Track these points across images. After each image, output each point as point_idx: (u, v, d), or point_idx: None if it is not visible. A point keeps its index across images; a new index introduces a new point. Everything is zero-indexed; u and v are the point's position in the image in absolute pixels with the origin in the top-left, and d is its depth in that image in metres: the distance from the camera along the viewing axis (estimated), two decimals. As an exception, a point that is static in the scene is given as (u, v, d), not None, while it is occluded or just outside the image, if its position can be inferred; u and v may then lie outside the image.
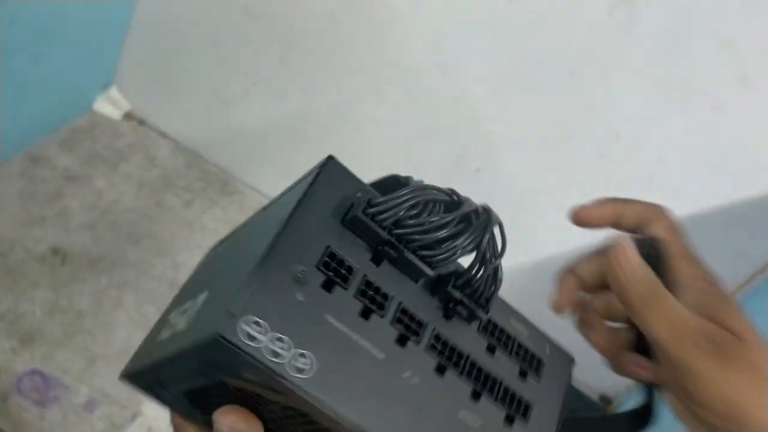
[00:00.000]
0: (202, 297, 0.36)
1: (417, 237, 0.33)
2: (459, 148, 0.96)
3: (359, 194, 0.33)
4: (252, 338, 0.28)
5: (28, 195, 0.92)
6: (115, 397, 0.78)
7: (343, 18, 0.88)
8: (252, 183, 1.13)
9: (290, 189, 0.36)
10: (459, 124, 0.94)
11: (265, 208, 0.40)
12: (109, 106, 1.08)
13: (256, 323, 0.28)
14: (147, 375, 0.40)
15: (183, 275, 0.97)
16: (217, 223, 1.05)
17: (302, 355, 0.29)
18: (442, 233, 0.33)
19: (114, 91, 1.08)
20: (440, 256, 0.33)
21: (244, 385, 0.32)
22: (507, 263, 0.35)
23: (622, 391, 1.17)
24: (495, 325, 0.37)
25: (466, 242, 0.33)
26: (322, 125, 1.03)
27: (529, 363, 0.37)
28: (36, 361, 0.78)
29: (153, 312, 0.88)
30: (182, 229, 1.01)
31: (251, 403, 0.34)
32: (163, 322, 0.43)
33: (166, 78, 1.07)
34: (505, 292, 0.37)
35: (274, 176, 1.10)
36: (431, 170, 1.00)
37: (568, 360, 0.39)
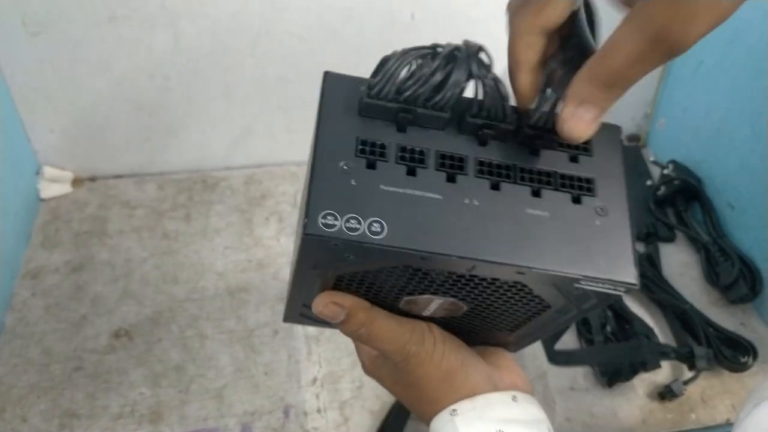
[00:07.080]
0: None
1: (419, 91, 0.38)
2: (383, 6, 0.93)
3: (362, 87, 0.39)
4: (330, 226, 0.35)
5: (53, 307, 0.89)
6: (258, 410, 0.80)
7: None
8: (223, 165, 1.10)
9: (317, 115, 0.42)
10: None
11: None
12: (54, 185, 1.02)
13: (328, 215, 0.35)
14: (299, 308, 0.51)
15: (231, 280, 0.97)
16: (224, 216, 1.03)
17: (374, 222, 0.36)
18: (437, 78, 0.38)
19: (48, 170, 1.02)
20: (446, 97, 0.38)
21: (355, 268, 0.39)
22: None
23: (643, 125, 1.19)
24: (529, 127, 0.40)
25: (460, 75, 0.38)
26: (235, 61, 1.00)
27: (575, 146, 0.41)
28: (176, 428, 0.79)
29: (236, 320, 0.89)
30: (200, 242, 1.00)
31: (367, 284, 0.43)
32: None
33: (80, 126, 1.01)
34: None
35: (234, 142, 1.07)
36: (369, 42, 0.97)
37: (614, 129, 0.43)
